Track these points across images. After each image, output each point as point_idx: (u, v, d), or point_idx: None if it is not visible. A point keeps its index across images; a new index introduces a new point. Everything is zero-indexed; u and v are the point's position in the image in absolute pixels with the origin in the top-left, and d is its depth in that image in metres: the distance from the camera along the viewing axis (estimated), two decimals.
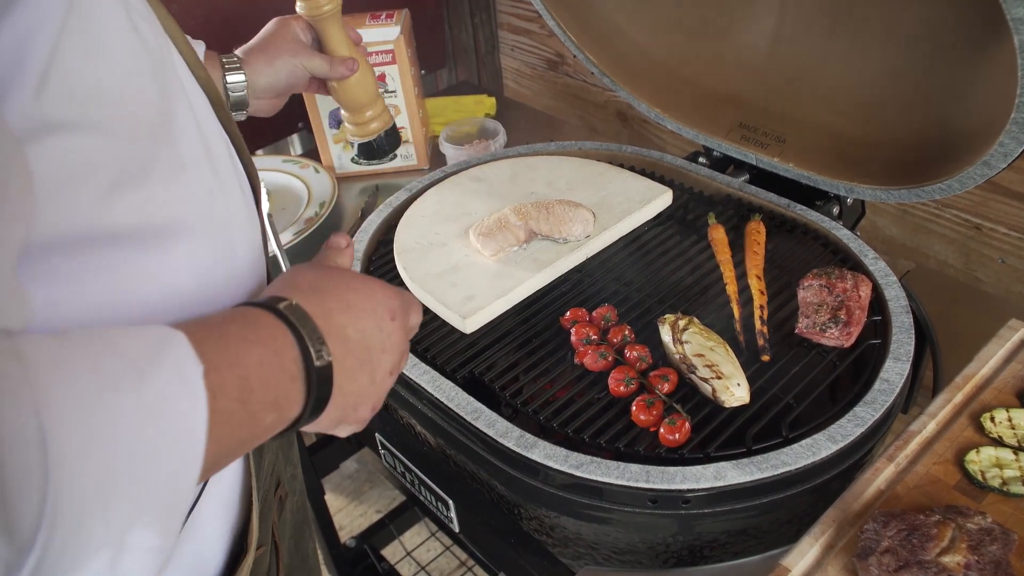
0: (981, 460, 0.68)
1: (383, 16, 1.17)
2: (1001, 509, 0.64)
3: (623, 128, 1.56)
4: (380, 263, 0.97)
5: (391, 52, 1.17)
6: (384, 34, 1.15)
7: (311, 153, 1.40)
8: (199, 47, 0.87)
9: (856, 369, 0.78)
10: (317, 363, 0.44)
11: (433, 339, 0.85)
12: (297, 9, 0.94)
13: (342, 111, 1.02)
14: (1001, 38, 0.66)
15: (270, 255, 0.63)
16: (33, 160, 0.37)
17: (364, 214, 1.22)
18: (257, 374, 0.41)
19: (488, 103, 1.43)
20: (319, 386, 0.45)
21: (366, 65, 0.98)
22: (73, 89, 0.39)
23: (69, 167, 0.39)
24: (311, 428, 0.50)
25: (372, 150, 1.04)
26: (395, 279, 0.93)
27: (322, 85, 0.98)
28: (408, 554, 1.64)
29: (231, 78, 0.88)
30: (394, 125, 1.05)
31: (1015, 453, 0.67)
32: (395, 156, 1.22)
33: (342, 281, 0.51)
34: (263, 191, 0.74)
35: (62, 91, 0.38)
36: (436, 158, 1.31)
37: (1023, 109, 0.69)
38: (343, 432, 0.54)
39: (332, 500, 1.82)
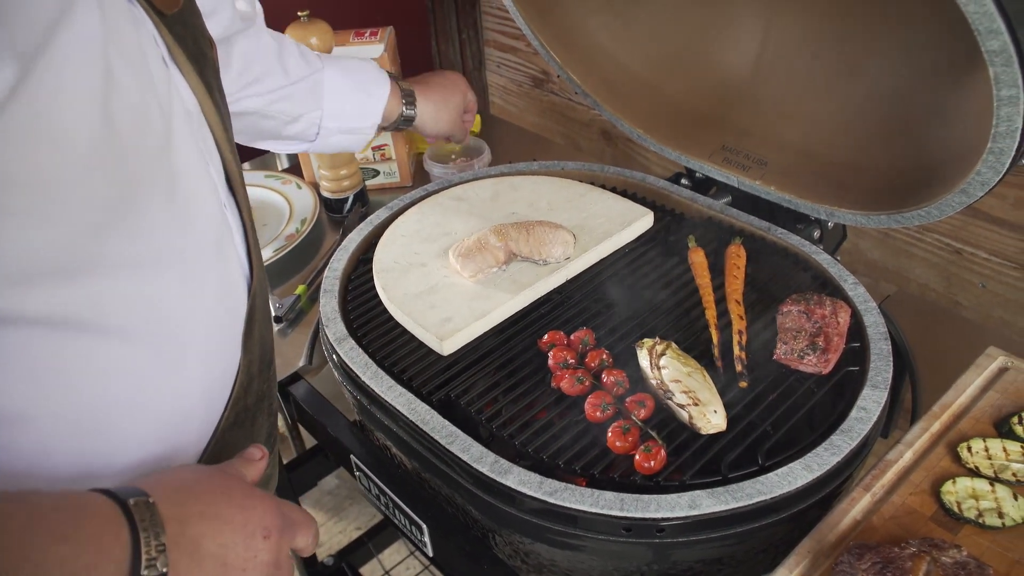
0: (957, 491, 0.67)
1: (367, 34, 1.17)
2: (977, 542, 0.63)
3: (607, 146, 1.56)
4: (359, 282, 0.96)
5: None
6: (368, 51, 1.15)
7: (294, 169, 1.39)
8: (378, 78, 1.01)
9: (834, 396, 0.77)
10: (145, 572, 0.40)
11: (410, 360, 0.84)
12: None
13: (319, 170, 1.14)
14: (978, 68, 0.66)
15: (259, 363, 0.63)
16: None
17: (345, 231, 1.21)
18: (57, 571, 0.38)
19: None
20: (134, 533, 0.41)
21: None
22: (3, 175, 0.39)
23: None
24: None
25: (338, 206, 1.22)
26: (374, 298, 0.92)
27: None
28: (386, 573, 1.63)
29: (407, 111, 1.04)
30: (363, 188, 1.23)
31: (991, 484, 0.67)
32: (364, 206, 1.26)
33: (221, 488, 0.48)
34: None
35: None
36: (420, 175, 1.30)
37: (999, 139, 0.69)
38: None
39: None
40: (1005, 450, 0.71)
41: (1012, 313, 1.11)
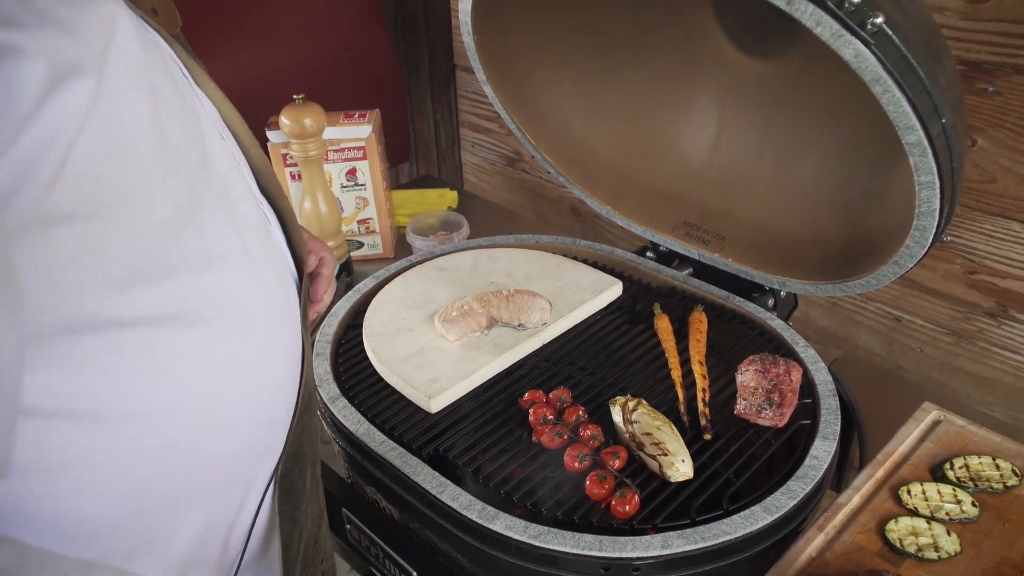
0: (899, 529, 0.75)
1: (356, 115, 1.26)
2: (916, 573, 0.71)
3: (576, 222, 1.66)
4: (349, 346, 1.02)
5: (363, 148, 1.25)
6: (357, 132, 1.24)
7: None
8: None
9: (789, 447, 0.85)
10: None
11: (400, 418, 0.90)
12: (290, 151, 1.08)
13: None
14: (904, 157, 0.77)
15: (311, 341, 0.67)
16: (39, 250, 0.41)
17: (334, 299, 1.28)
18: None
19: (451, 196, 1.52)
20: None
21: (332, 200, 1.17)
22: (84, 187, 0.42)
23: (74, 256, 0.42)
24: None
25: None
26: (363, 360, 0.99)
27: None
28: None
29: None
30: (349, 259, 1.27)
31: (928, 523, 0.75)
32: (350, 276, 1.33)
33: None
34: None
35: (73, 188, 0.41)
36: (401, 247, 1.38)
37: (922, 218, 0.79)
38: None
39: None
40: (939, 493, 0.79)
41: (947, 375, 1.21)
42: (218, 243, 0.52)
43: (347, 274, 1.29)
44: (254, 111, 1.08)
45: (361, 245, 1.33)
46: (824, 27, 0.69)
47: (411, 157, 1.90)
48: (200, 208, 0.51)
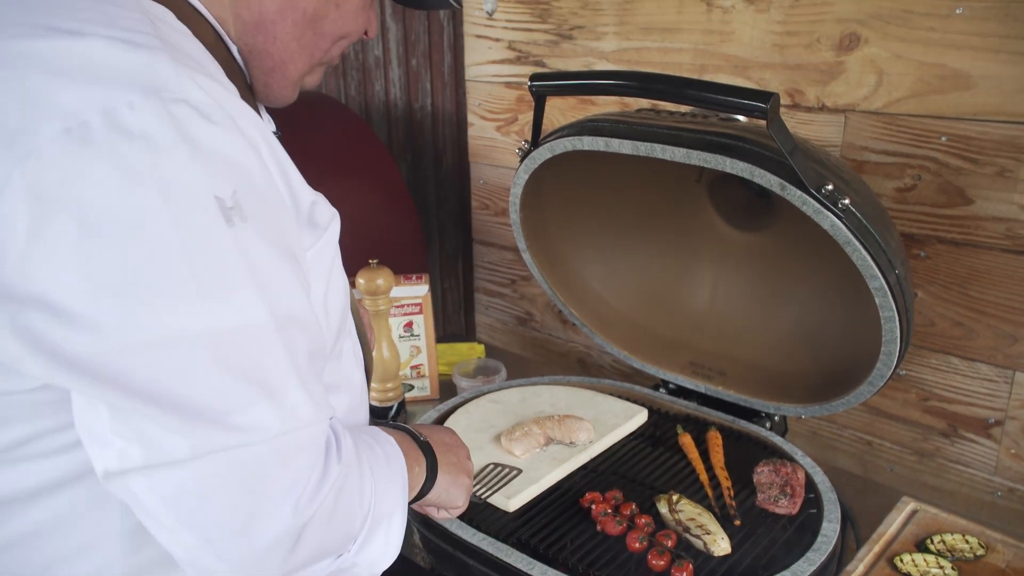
0: None
1: (413, 277, 1.52)
2: None
3: (583, 373, 1.90)
4: None
5: (419, 305, 1.50)
6: (416, 291, 1.49)
7: None
8: None
9: (802, 529, 1.06)
10: (427, 456, 0.89)
11: (484, 516, 1.09)
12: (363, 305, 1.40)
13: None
14: (866, 300, 1.04)
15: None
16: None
17: None
18: (410, 455, 0.84)
19: (479, 348, 1.76)
20: (428, 455, 0.88)
21: (394, 348, 1.44)
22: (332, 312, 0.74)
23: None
24: (430, 498, 0.89)
25: (383, 412, 1.49)
26: None
27: None
28: None
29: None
30: (403, 400, 1.49)
31: None
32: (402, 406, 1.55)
33: (452, 438, 0.98)
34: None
35: (322, 307, 0.74)
36: (444, 389, 1.60)
37: (887, 345, 1.05)
38: (442, 513, 0.98)
39: None
40: (925, 561, 1.00)
41: (915, 490, 1.44)
42: (347, 346, 0.84)
43: (404, 413, 1.49)
44: None
45: (412, 388, 1.54)
46: (808, 206, 0.98)
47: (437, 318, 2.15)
48: (344, 332, 0.83)
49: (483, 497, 1.11)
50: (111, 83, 0.54)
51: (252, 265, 0.58)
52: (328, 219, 0.73)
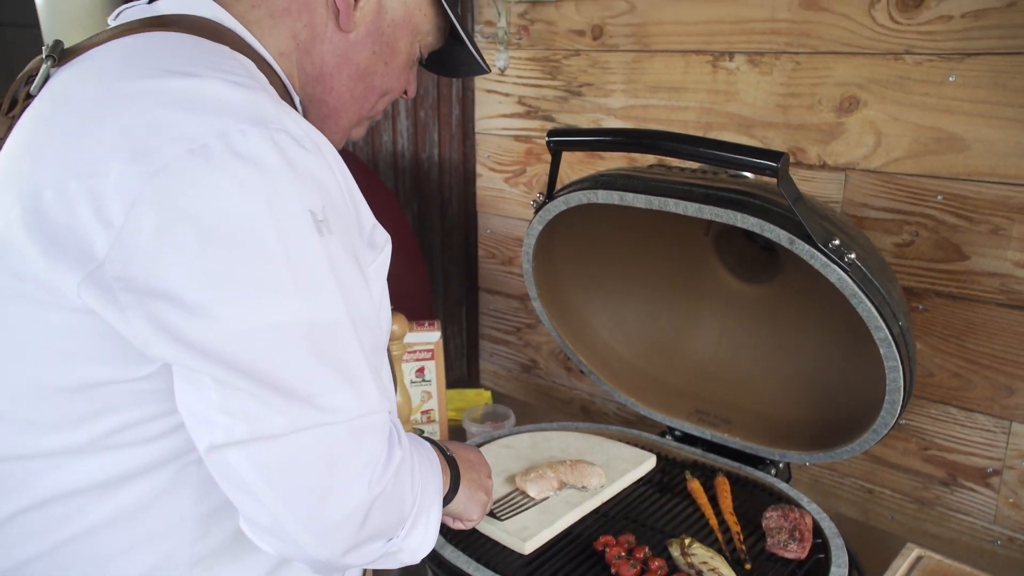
0: None
1: (426, 324, 1.55)
2: None
3: (587, 419, 1.93)
4: None
5: (431, 351, 1.54)
6: (428, 337, 1.53)
7: None
8: None
9: (810, 573, 1.09)
10: (452, 469, 0.95)
11: (499, 559, 1.11)
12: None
13: None
14: (869, 349, 1.08)
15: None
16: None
17: None
18: (441, 465, 0.89)
19: (486, 395, 1.79)
20: (452, 468, 0.95)
21: (406, 393, 1.48)
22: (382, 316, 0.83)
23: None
24: (449, 508, 0.94)
25: None
26: None
27: None
28: None
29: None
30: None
31: None
32: None
33: (477, 457, 1.05)
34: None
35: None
36: (452, 434, 1.62)
37: (891, 393, 1.10)
38: (457, 524, 1.03)
39: None
40: None
41: (916, 538, 1.46)
42: (386, 365, 0.89)
43: None
44: None
45: (422, 432, 1.57)
46: (816, 260, 1.03)
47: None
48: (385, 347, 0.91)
49: (499, 516, 1.16)
50: (225, 114, 0.64)
51: (336, 270, 0.68)
52: (383, 242, 0.82)
